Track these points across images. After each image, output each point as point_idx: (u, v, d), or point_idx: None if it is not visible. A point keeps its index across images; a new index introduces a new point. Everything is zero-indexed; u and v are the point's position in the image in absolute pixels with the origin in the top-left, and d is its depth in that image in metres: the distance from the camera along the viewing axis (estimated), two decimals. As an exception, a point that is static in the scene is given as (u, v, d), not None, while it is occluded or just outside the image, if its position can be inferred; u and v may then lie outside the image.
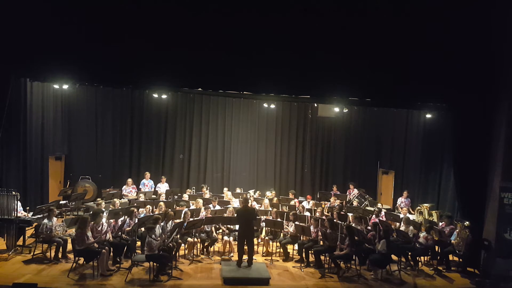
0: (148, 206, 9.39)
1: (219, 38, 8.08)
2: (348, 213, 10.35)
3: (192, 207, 9.88)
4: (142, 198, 10.89)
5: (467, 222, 8.76)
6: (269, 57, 8.16)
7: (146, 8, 7.89)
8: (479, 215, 8.80)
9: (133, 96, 13.21)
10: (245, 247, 8.18)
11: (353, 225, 8.99)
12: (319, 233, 8.50)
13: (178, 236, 8.20)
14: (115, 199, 9.60)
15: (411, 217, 10.49)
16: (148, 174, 12.34)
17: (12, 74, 8.06)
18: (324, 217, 9.13)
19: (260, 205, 10.67)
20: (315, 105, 13.35)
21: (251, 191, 12.01)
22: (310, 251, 8.66)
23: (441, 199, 11.60)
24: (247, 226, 8.14)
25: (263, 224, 9.31)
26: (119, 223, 8.28)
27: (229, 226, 9.11)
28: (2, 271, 7.33)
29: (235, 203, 10.77)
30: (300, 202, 11.43)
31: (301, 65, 8.33)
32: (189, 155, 13.79)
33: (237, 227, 8.58)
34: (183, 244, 8.55)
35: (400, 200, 12.07)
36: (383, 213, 10.38)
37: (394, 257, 8.31)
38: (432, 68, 8.50)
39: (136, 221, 8.38)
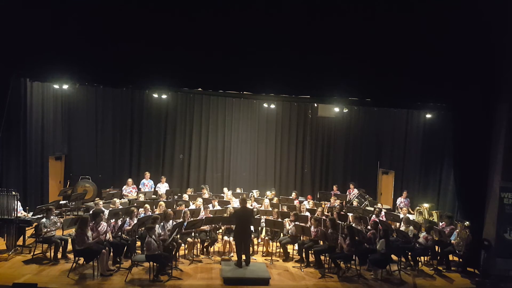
0: (147, 206, 9.36)
1: (219, 38, 8.07)
2: (348, 213, 10.35)
3: (192, 207, 9.89)
4: (142, 198, 10.89)
5: (467, 222, 8.76)
6: (269, 57, 8.15)
7: (146, 8, 7.88)
8: (479, 215, 8.81)
9: (133, 96, 13.21)
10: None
11: (353, 225, 8.99)
12: (319, 233, 8.50)
13: (178, 236, 8.21)
14: (115, 199, 9.62)
15: (411, 217, 10.49)
16: (148, 174, 12.33)
17: (12, 74, 8.06)
18: (324, 217, 9.13)
19: (260, 205, 10.67)
20: (315, 105, 13.34)
21: (254, 191, 12.01)
22: (310, 251, 8.66)
23: (441, 199, 11.61)
24: (244, 226, 8.15)
25: (263, 224, 9.31)
26: (119, 223, 8.28)
27: (228, 226, 9.10)
28: (2, 271, 7.33)
29: (235, 203, 10.76)
30: (301, 202, 11.43)
31: (301, 65, 8.33)
32: (189, 155, 13.79)
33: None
34: (183, 244, 8.55)
35: (400, 200, 12.07)
36: (383, 213, 10.38)
37: (394, 257, 8.31)
38: (432, 68, 8.50)
39: (136, 221, 8.39)
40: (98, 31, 7.79)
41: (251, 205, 10.46)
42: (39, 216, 8.52)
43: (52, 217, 8.23)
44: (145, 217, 8.48)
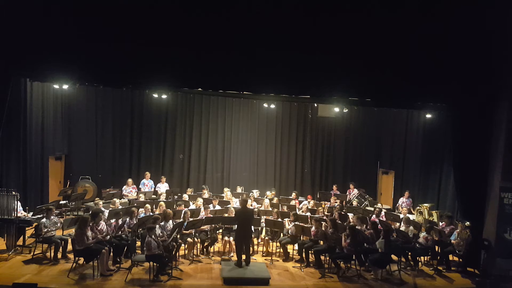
0: (147, 206, 9.37)
1: (219, 38, 8.07)
2: (348, 213, 10.35)
3: (192, 207, 9.89)
4: (142, 198, 10.89)
5: (468, 222, 8.76)
6: (269, 57, 8.15)
7: (146, 8, 7.88)
8: (479, 215, 8.80)
9: (133, 96, 13.21)
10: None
11: (356, 226, 8.98)
12: (319, 233, 8.49)
13: (178, 236, 8.21)
14: (115, 199, 9.62)
15: (411, 217, 10.49)
16: (148, 174, 12.34)
17: (12, 74, 8.06)
18: (325, 217, 9.13)
19: (260, 205, 10.67)
20: (315, 105, 13.35)
21: (254, 191, 12.00)
22: (310, 251, 8.66)
23: (441, 199, 11.60)
24: (246, 226, 8.15)
25: (263, 224, 9.31)
26: (119, 223, 8.28)
27: (228, 225, 9.10)
28: (2, 271, 7.33)
29: (236, 203, 10.77)
30: (300, 202, 11.43)
31: (301, 65, 8.32)
32: (189, 155, 13.79)
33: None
34: (183, 244, 8.55)
35: (401, 200, 12.07)
36: (383, 213, 10.38)
37: (394, 257, 8.31)
38: (432, 68, 8.50)
39: (136, 221, 8.38)
40: (98, 30, 7.78)
41: (251, 205, 10.45)
42: (39, 216, 8.53)
43: (52, 217, 8.23)
44: (145, 217, 8.49)
